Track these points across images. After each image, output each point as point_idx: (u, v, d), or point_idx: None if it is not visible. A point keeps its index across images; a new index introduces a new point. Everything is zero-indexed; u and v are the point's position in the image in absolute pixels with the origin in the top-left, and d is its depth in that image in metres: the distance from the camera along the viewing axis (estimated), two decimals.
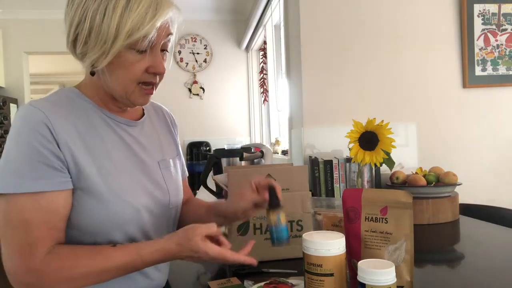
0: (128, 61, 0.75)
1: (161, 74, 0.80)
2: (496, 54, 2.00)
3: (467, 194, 1.76)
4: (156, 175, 0.86)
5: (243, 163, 1.50)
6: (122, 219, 0.77)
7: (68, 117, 0.76)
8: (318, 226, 1.00)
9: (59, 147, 0.72)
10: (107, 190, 0.75)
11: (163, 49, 0.81)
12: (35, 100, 0.75)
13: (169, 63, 0.86)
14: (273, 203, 0.83)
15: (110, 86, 0.79)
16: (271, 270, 0.97)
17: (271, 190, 0.84)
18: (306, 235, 0.71)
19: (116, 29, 0.71)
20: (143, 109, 0.94)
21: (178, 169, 0.97)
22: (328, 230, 0.93)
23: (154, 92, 0.82)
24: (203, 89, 4.04)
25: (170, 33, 0.80)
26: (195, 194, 1.57)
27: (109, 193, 0.75)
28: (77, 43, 0.75)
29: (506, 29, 2.01)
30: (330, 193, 1.74)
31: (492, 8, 2.00)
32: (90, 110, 0.80)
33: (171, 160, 0.93)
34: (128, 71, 0.76)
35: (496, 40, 2.00)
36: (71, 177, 0.74)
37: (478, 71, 1.99)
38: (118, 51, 0.73)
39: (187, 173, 1.05)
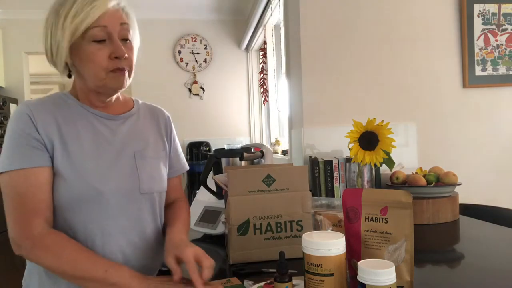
0: (90, 52, 0.88)
1: (121, 57, 0.89)
2: (496, 54, 2.00)
3: (467, 194, 1.76)
4: (127, 163, 0.96)
5: (243, 163, 1.50)
6: (83, 199, 0.89)
7: (51, 111, 0.91)
8: (318, 226, 1.00)
9: (38, 132, 0.88)
10: (73, 172, 0.88)
11: (124, 39, 0.91)
12: (28, 100, 0.93)
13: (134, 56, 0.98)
14: (281, 272, 0.75)
15: (87, 80, 0.92)
16: (271, 270, 0.97)
17: (281, 255, 0.76)
18: (306, 235, 0.71)
19: (62, 28, 0.86)
20: (133, 107, 1.06)
21: (162, 164, 1.04)
22: (328, 230, 0.93)
23: (126, 76, 0.92)
24: (203, 89, 4.04)
25: (123, 22, 0.91)
26: (195, 194, 1.56)
27: (74, 175, 0.88)
28: (48, 55, 0.93)
29: (506, 29, 2.01)
30: (330, 193, 1.74)
31: (492, 8, 2.00)
32: (73, 106, 0.95)
33: (151, 153, 1.01)
34: (93, 61, 0.88)
35: (496, 40, 2.00)
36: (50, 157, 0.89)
37: (478, 71, 1.99)
38: (70, 43, 0.86)
39: (182, 172, 1.13)
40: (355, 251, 0.76)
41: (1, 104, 3.30)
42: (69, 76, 0.95)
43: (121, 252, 0.93)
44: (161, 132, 1.08)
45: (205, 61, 4.04)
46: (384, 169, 1.72)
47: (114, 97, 1.00)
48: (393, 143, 1.27)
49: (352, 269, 0.76)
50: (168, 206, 1.10)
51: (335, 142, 1.88)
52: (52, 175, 0.89)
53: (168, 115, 1.14)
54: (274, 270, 0.93)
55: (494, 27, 2.00)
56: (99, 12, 0.86)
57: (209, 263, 0.81)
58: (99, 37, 0.87)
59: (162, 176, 1.04)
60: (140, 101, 1.10)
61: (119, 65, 0.90)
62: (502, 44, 2.00)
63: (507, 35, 2.01)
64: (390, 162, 1.36)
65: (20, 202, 0.85)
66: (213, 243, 1.33)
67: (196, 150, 3.63)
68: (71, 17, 0.85)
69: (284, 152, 2.92)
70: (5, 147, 0.87)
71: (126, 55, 0.90)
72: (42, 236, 0.84)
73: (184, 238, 0.93)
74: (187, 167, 1.17)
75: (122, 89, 0.96)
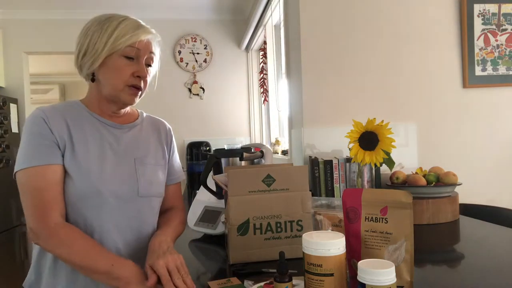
0: (119, 65, 0.99)
1: (143, 78, 1.02)
2: (496, 54, 2.00)
3: (467, 194, 1.76)
4: (128, 168, 1.03)
5: (243, 163, 1.50)
6: (85, 197, 0.96)
7: (63, 116, 1.00)
8: (318, 226, 1.00)
9: (52, 133, 0.96)
10: (77, 172, 0.96)
11: (147, 64, 1.04)
12: (42, 106, 1.01)
13: (153, 85, 1.13)
14: (281, 272, 0.75)
15: (104, 88, 1.02)
16: (271, 270, 0.97)
17: (281, 255, 0.77)
18: (306, 235, 0.71)
19: (105, 42, 0.97)
20: (137, 118, 1.14)
21: (160, 171, 1.11)
22: (328, 230, 0.93)
23: (139, 95, 1.04)
24: (203, 89, 4.04)
25: (152, 52, 1.04)
26: (195, 194, 1.56)
27: (78, 175, 0.96)
28: (79, 57, 1.02)
29: (506, 29, 2.01)
30: (330, 193, 1.74)
31: (492, 8, 2.00)
32: (83, 114, 1.04)
33: (151, 160, 1.09)
34: (118, 73, 1.00)
35: (496, 40, 2.00)
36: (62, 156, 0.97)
37: (478, 71, 1.99)
38: (106, 55, 0.98)
39: (179, 180, 1.20)
40: (355, 251, 0.76)
41: (1, 104, 3.30)
42: (93, 80, 1.04)
43: (116, 248, 0.99)
44: (161, 142, 1.16)
45: (205, 61, 4.04)
46: (384, 169, 1.72)
47: (123, 110, 1.09)
48: (393, 143, 1.27)
49: (352, 269, 0.76)
50: (164, 212, 1.15)
51: (335, 142, 1.88)
52: (63, 172, 0.96)
53: (169, 127, 1.22)
54: (274, 270, 0.93)
55: (494, 27, 2.00)
56: (138, 39, 1.00)
57: (178, 278, 0.84)
58: (130, 55, 1.00)
59: (160, 182, 1.11)
60: (145, 114, 1.19)
61: (138, 83, 1.02)
62: (502, 44, 2.00)
63: (507, 35, 2.01)
64: (390, 162, 1.36)
65: (38, 196, 0.92)
66: (213, 243, 1.33)
67: (196, 150, 3.62)
68: (115, 37, 0.98)
69: (284, 152, 2.92)
70: (22, 147, 0.96)
71: (147, 77, 1.04)
72: (58, 227, 0.92)
73: (165, 240, 0.97)
74: (184, 177, 1.24)
75: (131, 105, 1.07)
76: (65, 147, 0.97)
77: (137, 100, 1.05)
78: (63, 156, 0.97)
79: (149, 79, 1.06)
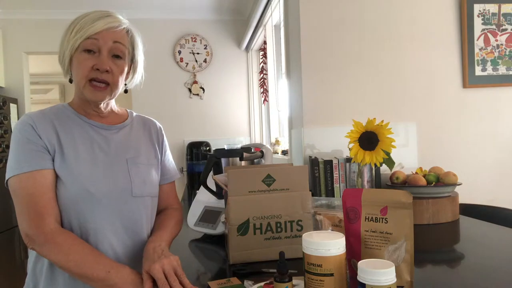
0: (79, 60, 0.97)
1: (103, 70, 0.97)
2: (496, 54, 2.00)
3: (467, 194, 1.76)
4: (120, 168, 1.02)
5: (243, 163, 1.50)
6: (78, 200, 0.95)
7: (51, 121, 0.99)
8: (318, 226, 1.00)
9: (41, 138, 0.95)
10: (68, 175, 0.95)
11: (115, 55, 1.00)
12: (30, 112, 1.01)
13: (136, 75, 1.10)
14: (281, 272, 0.75)
15: (75, 87, 1.01)
16: (271, 270, 0.97)
17: (281, 255, 0.76)
18: (306, 235, 0.71)
19: (68, 39, 0.97)
20: (127, 118, 1.13)
21: (153, 170, 1.10)
22: (328, 230, 0.93)
23: (108, 90, 0.99)
24: (203, 89, 4.04)
25: (118, 41, 0.99)
26: (195, 194, 1.56)
27: (69, 178, 0.95)
28: (59, 60, 1.03)
29: (506, 29, 2.01)
30: (330, 193, 1.74)
31: (492, 8, 2.00)
32: (70, 117, 1.03)
33: (143, 160, 1.08)
34: (79, 68, 0.97)
35: (496, 40, 2.00)
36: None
37: (478, 71, 1.99)
38: (71, 53, 0.97)
39: (173, 179, 1.19)
40: (355, 251, 0.76)
41: (1, 104, 3.30)
42: (70, 81, 1.04)
43: (113, 250, 0.98)
44: (153, 142, 1.15)
45: (205, 61, 4.04)
46: (384, 169, 1.72)
47: (108, 108, 1.08)
48: (393, 143, 1.27)
49: (352, 269, 0.76)
50: (159, 213, 1.14)
51: (335, 142, 1.88)
52: (55, 177, 0.96)
53: (160, 126, 1.20)
54: (274, 270, 0.93)
55: (494, 27, 2.00)
56: (96, 30, 0.96)
57: (175, 280, 0.83)
58: (88, 47, 0.96)
59: (154, 181, 1.10)
60: (135, 113, 1.17)
61: (99, 76, 0.97)
62: (502, 44, 2.00)
63: (507, 35, 2.01)
64: (390, 162, 1.36)
65: (31, 201, 0.91)
66: (213, 243, 1.33)
67: (196, 150, 3.62)
68: (75, 32, 0.96)
69: (284, 152, 2.92)
70: (12, 154, 0.95)
71: (107, 68, 0.97)
72: (54, 233, 0.91)
73: (159, 245, 0.96)
74: (179, 175, 1.22)
75: (102, 102, 1.03)
76: (55, 151, 0.96)
77: (106, 96, 1.01)
78: (53, 160, 0.96)
79: (119, 72, 1.01)
